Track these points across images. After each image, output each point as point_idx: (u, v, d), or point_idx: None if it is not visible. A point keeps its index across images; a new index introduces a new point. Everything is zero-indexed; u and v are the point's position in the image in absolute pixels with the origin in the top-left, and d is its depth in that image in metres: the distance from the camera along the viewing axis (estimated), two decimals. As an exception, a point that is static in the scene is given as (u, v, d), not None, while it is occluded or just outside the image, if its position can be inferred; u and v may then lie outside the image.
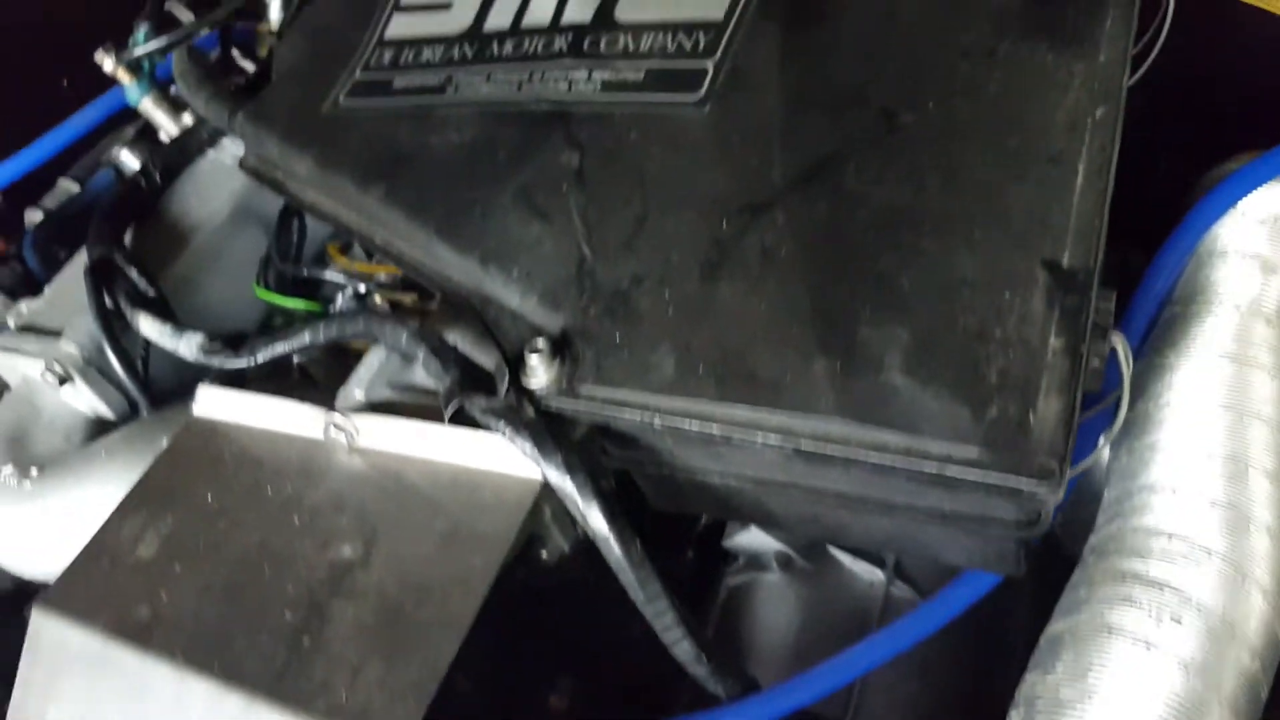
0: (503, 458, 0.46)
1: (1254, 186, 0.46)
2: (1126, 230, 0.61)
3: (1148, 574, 0.40)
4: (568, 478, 0.43)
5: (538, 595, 0.53)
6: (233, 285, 0.68)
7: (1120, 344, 0.39)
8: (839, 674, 0.44)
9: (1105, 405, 0.41)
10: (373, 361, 0.52)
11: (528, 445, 0.44)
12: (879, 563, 0.54)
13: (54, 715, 0.48)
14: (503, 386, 0.46)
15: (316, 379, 0.61)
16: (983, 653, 0.51)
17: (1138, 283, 0.50)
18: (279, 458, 0.52)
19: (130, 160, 0.86)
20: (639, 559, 0.43)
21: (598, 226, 0.48)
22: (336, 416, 0.50)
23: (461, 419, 0.46)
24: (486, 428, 0.45)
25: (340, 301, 0.62)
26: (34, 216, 0.88)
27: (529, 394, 0.45)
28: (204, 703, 0.44)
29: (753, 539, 0.55)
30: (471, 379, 0.47)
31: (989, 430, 0.36)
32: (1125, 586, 0.40)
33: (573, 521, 0.49)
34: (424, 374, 0.51)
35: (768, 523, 0.50)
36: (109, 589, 0.50)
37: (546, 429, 0.44)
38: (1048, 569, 0.47)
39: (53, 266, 0.82)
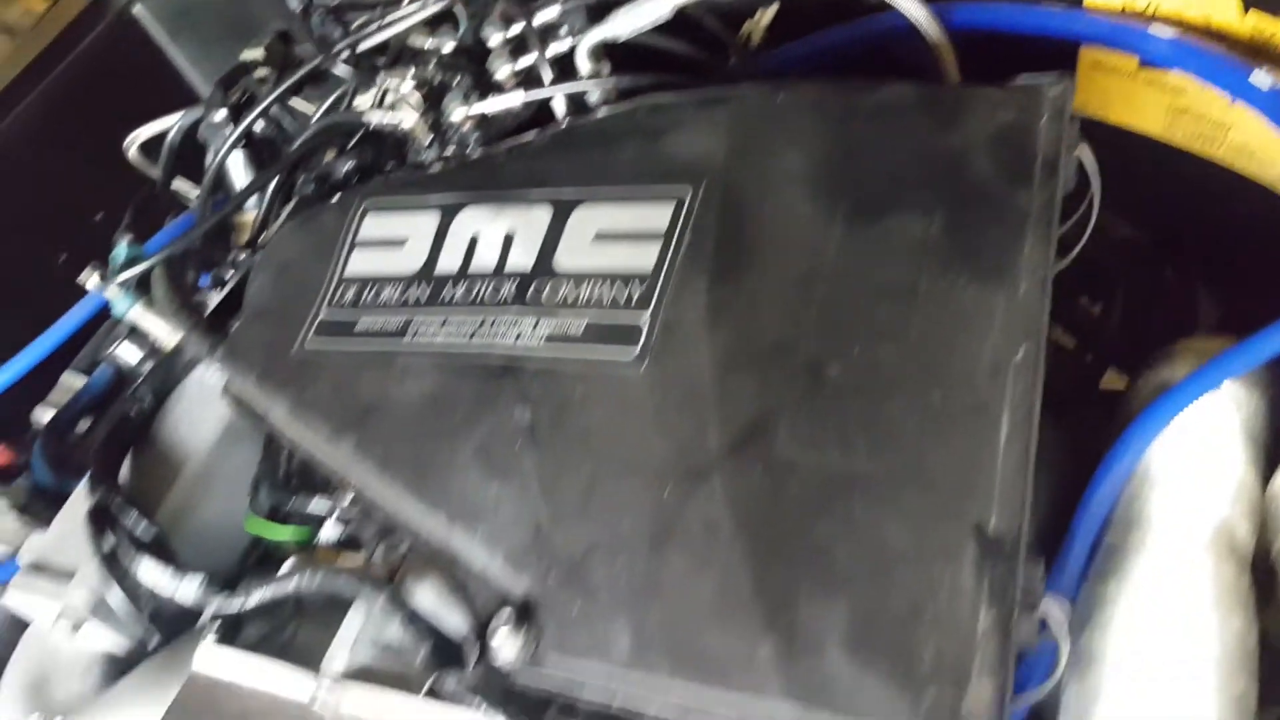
0: (480, 727, 0.48)
1: (1189, 402, 0.48)
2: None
3: None
4: (539, 753, 0.46)
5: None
6: (226, 507, 0.71)
7: (1055, 611, 0.41)
8: None
9: (1043, 653, 0.43)
10: (353, 623, 0.54)
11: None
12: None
13: None
14: (472, 660, 0.48)
15: (309, 611, 0.64)
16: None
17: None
18: (270, 716, 0.55)
19: (129, 353, 0.91)
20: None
21: (552, 488, 0.51)
22: (324, 682, 0.53)
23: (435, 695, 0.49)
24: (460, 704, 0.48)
25: (326, 529, 0.65)
26: (43, 415, 0.92)
27: (496, 669, 0.47)
28: None
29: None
30: (443, 650, 0.50)
31: (926, 713, 0.38)
32: None
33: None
34: (400, 638, 0.53)
35: None
36: None
37: (518, 704, 0.46)
38: None
39: (62, 473, 0.86)
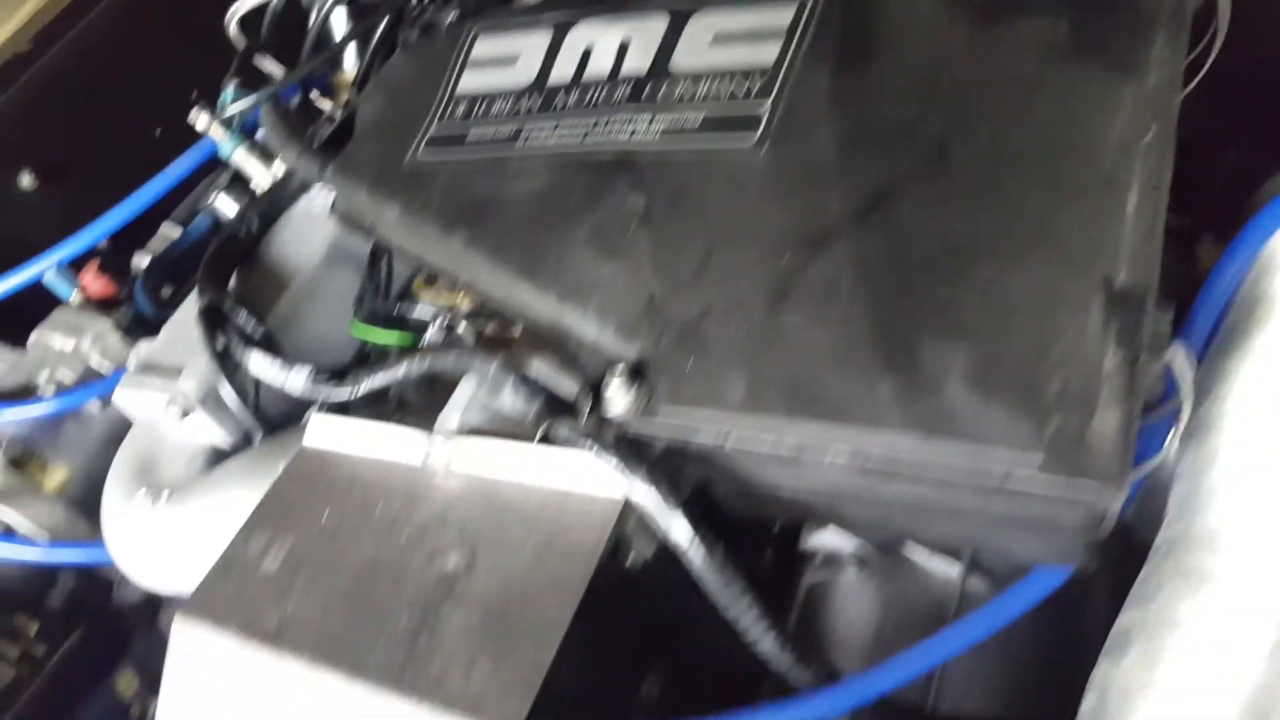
0: (587, 478, 0.50)
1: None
2: (1199, 220, 0.62)
3: (1212, 571, 0.42)
4: (651, 491, 0.48)
5: (625, 595, 0.57)
6: (330, 321, 0.74)
7: (1180, 354, 0.42)
8: (917, 663, 0.47)
9: (1166, 411, 0.43)
10: (465, 390, 0.57)
11: (612, 462, 0.48)
12: (954, 556, 0.56)
13: (199, 708, 0.55)
14: (584, 412, 0.50)
15: (411, 406, 0.66)
16: (1061, 640, 0.53)
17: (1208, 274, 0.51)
18: (384, 481, 0.58)
19: (226, 205, 0.94)
20: (720, 564, 0.47)
21: (665, 264, 0.52)
22: (436, 439, 0.55)
23: (548, 443, 0.51)
24: (572, 446, 0.50)
25: (430, 332, 0.68)
26: (141, 261, 0.96)
27: (609, 419, 0.49)
28: (332, 695, 0.49)
29: (829, 539, 0.58)
30: (555, 406, 0.52)
31: (1050, 442, 0.39)
32: (1190, 583, 0.42)
33: (654, 532, 0.54)
34: (512, 402, 0.55)
35: (841, 525, 0.53)
36: (240, 599, 0.56)
37: (629, 447, 0.48)
38: (1123, 558, 0.49)
39: (161, 306, 0.90)
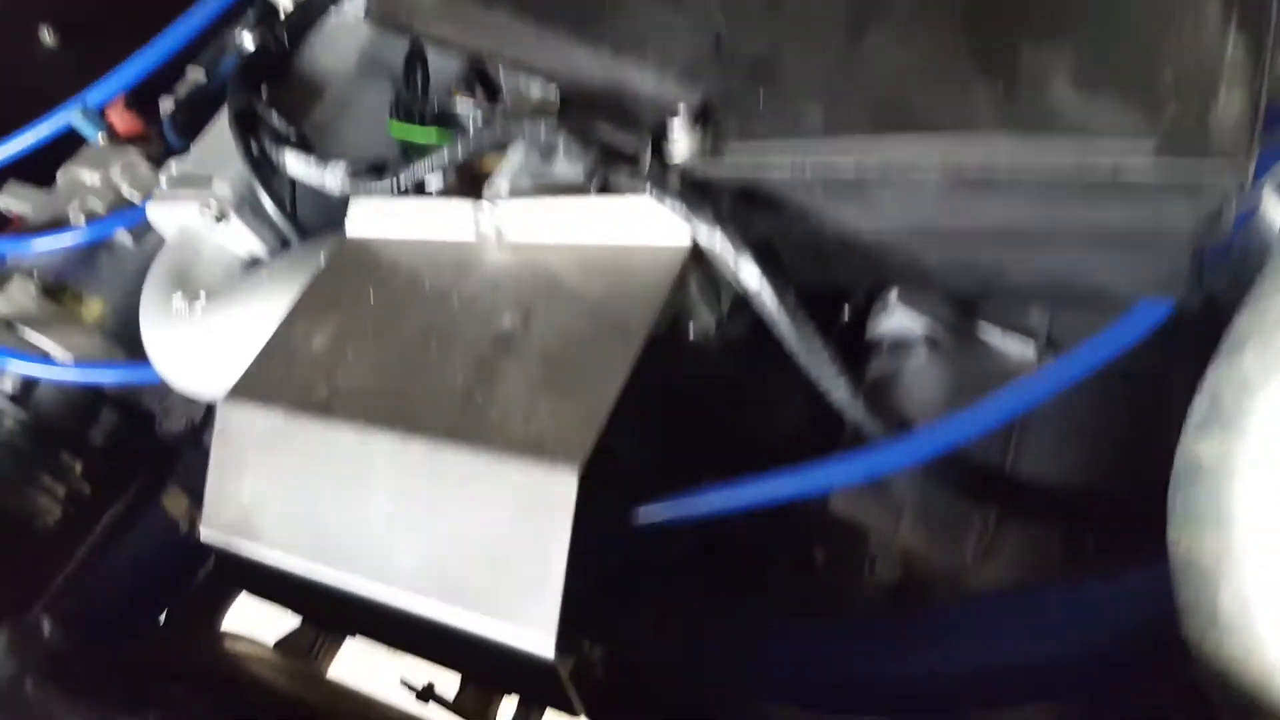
0: (649, 228, 0.47)
1: None
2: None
3: None
4: (717, 231, 0.45)
5: (689, 371, 0.55)
6: (365, 130, 0.71)
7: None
8: (997, 412, 0.44)
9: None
10: (514, 158, 0.54)
11: (676, 203, 0.45)
12: (1029, 336, 0.53)
13: (247, 487, 0.53)
14: (645, 157, 0.47)
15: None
16: (1142, 415, 0.50)
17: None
18: (433, 259, 0.55)
19: (252, 44, 0.91)
20: (793, 306, 0.44)
21: (730, 3, 0.48)
22: (484, 207, 0.52)
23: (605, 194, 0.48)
24: (631, 193, 0.47)
25: (472, 123, 0.64)
26: (167, 105, 0.93)
27: (672, 164, 0.46)
28: (387, 453, 0.48)
29: (897, 323, 0.55)
30: (612, 157, 0.49)
31: (1167, 125, 0.36)
32: None
33: (718, 296, 0.51)
34: (565, 167, 0.52)
35: (918, 279, 0.50)
36: (288, 377, 0.54)
37: (694, 190, 0.45)
38: (1209, 333, 0.46)
39: (190, 141, 0.87)
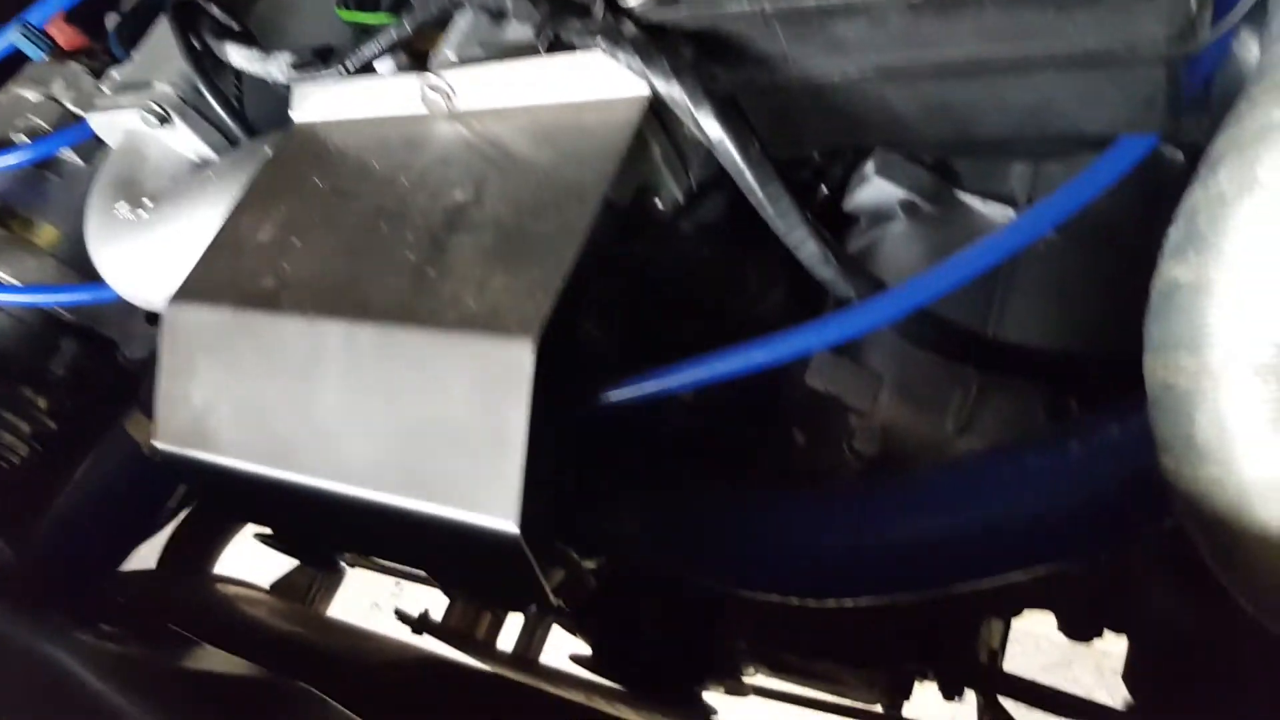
0: (604, 82, 0.44)
1: None
2: None
3: None
4: (675, 82, 0.42)
5: (656, 273, 0.52)
6: (310, 24, 0.68)
7: None
8: (974, 262, 0.42)
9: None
10: (460, 24, 0.50)
11: (630, 57, 0.42)
12: (1010, 202, 0.51)
13: (198, 392, 0.51)
14: (598, 6, 0.44)
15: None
16: (1126, 277, 0.48)
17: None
18: (381, 137, 0.52)
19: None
20: (758, 157, 0.42)
21: None
22: (430, 76, 0.49)
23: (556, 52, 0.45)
24: (584, 50, 0.44)
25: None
26: (112, 19, 0.88)
27: (626, 11, 0.43)
28: (338, 342, 0.45)
29: (874, 192, 0.53)
30: (562, 8, 0.45)
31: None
32: None
33: (685, 165, 0.48)
34: (514, 30, 0.49)
35: (895, 134, 0.47)
36: (235, 273, 0.52)
37: (649, 37, 0.42)
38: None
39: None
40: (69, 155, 0.81)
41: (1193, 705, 0.59)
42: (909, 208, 0.53)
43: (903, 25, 0.39)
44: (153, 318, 0.81)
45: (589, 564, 0.51)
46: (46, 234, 0.81)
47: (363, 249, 0.48)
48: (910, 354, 0.53)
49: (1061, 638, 0.62)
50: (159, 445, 0.53)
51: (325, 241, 0.49)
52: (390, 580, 1.39)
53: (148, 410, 0.74)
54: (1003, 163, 0.55)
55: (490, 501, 0.40)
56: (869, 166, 0.56)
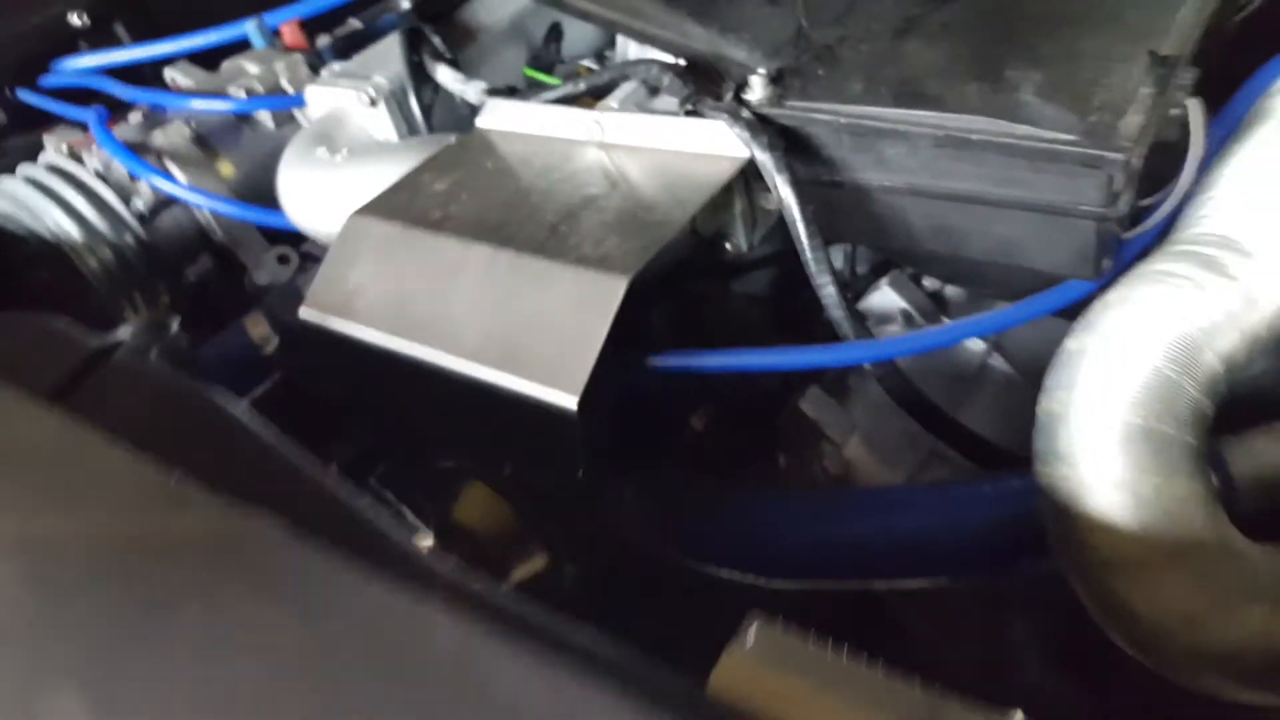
0: (716, 143, 0.63)
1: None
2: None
3: (1196, 250, 0.51)
4: (768, 154, 0.61)
5: (708, 293, 0.69)
6: (501, 74, 0.89)
7: (1196, 105, 0.54)
8: (940, 336, 0.59)
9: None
10: (625, 88, 0.71)
11: (742, 130, 0.61)
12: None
13: (353, 277, 0.67)
14: (727, 96, 0.64)
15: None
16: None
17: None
18: (544, 148, 0.71)
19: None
20: (810, 218, 0.60)
21: (814, 7, 0.66)
22: (595, 113, 0.69)
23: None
24: (709, 118, 0.63)
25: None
26: (324, 42, 1.12)
27: (745, 101, 0.63)
28: (480, 260, 0.62)
29: (884, 299, 0.71)
30: (703, 91, 0.65)
31: (1089, 127, 0.52)
32: (1170, 255, 0.51)
33: (754, 224, 0.66)
34: (664, 102, 0.69)
35: (905, 243, 0.64)
36: (409, 205, 0.69)
37: (757, 121, 0.62)
38: None
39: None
40: (265, 118, 1.01)
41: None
42: (906, 317, 0.70)
43: (929, 155, 0.58)
44: (284, 257, 0.99)
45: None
46: (226, 168, 1.00)
47: (514, 207, 0.65)
48: (884, 415, 0.69)
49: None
50: (305, 314, 0.67)
51: (486, 199, 0.67)
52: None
53: (270, 313, 0.89)
54: (985, 302, 0.74)
55: (563, 381, 0.54)
56: (885, 280, 0.75)
